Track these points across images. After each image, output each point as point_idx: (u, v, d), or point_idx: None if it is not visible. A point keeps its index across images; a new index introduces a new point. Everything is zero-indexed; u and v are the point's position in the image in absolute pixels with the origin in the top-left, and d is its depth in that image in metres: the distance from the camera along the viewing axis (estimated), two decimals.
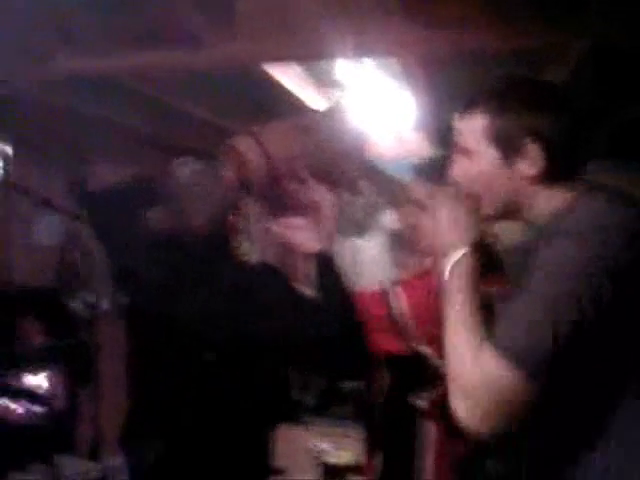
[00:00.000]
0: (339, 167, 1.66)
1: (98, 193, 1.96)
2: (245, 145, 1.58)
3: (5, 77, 2.19)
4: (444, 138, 3.68)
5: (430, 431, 1.44)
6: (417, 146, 3.57)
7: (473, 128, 1.08)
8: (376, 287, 1.43)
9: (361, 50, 1.95)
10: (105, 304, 3.03)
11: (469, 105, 1.10)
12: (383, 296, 1.41)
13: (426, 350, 1.39)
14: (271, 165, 1.56)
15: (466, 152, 1.10)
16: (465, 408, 0.93)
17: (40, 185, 2.95)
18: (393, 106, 2.97)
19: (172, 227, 1.49)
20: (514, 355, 0.89)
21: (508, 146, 1.06)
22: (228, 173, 1.58)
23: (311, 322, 1.42)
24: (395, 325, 1.38)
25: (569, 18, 1.69)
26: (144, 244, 1.55)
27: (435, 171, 1.50)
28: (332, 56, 2.11)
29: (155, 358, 1.54)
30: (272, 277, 1.54)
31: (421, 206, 1.43)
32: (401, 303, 1.38)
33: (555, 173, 1.07)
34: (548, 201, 1.06)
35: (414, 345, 1.38)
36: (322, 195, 1.57)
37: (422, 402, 1.44)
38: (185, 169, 1.55)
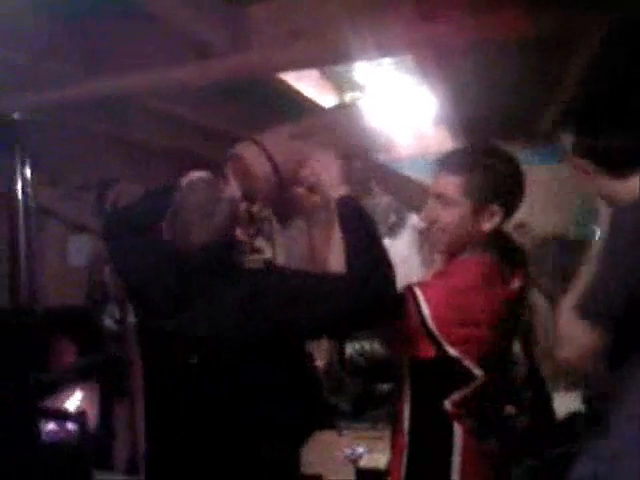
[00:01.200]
0: (350, 168, 1.63)
1: (111, 211, 1.97)
2: (249, 153, 1.53)
3: (21, 102, 2.24)
4: (466, 132, 3.68)
5: (457, 432, 1.41)
6: (438, 142, 3.54)
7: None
8: (406, 289, 1.40)
9: (377, 50, 1.93)
10: (132, 317, 3.05)
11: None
12: (413, 298, 1.38)
13: (453, 352, 1.36)
14: (277, 172, 1.52)
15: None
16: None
17: (70, 208, 3.01)
18: (412, 104, 2.95)
19: (174, 242, 1.47)
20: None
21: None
22: (231, 183, 1.54)
23: (336, 302, 1.36)
24: (423, 328, 1.35)
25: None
26: (150, 260, 1.54)
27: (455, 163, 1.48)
28: (348, 59, 2.08)
29: (170, 374, 1.52)
30: (279, 274, 1.52)
31: (442, 200, 1.42)
32: (425, 305, 1.35)
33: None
34: None
35: (441, 348, 1.35)
36: (335, 169, 1.51)
37: (448, 404, 1.41)
38: (185, 182, 1.50)
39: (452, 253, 1.50)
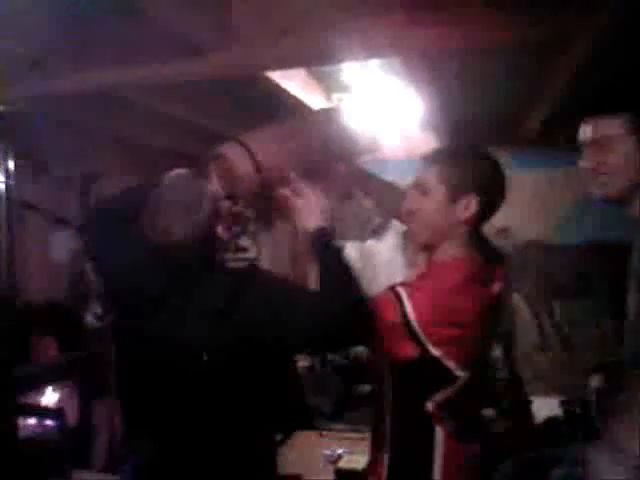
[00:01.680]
0: (331, 170, 1.64)
1: (91, 208, 1.96)
2: (233, 154, 1.53)
3: (12, 93, 2.21)
4: (451, 135, 3.70)
5: (438, 433, 1.42)
6: (424, 144, 3.55)
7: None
8: (389, 290, 1.41)
9: (364, 51, 1.93)
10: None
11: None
12: (397, 299, 1.38)
13: (436, 352, 1.36)
14: (260, 173, 1.52)
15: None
16: None
17: (52, 201, 2.98)
18: (399, 106, 2.96)
19: (154, 238, 1.46)
20: None
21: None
22: (213, 183, 1.54)
23: (311, 317, 1.40)
24: (406, 329, 1.35)
25: (582, 8, 1.66)
26: (128, 257, 1.53)
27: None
28: (335, 59, 2.09)
29: (148, 371, 1.51)
30: (262, 278, 1.52)
31: (420, 189, 1.44)
32: (409, 305, 1.36)
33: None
34: None
35: (424, 348, 1.36)
36: (312, 199, 1.54)
37: (430, 405, 1.42)
38: (167, 178, 1.50)
39: (432, 247, 1.51)
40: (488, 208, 1.47)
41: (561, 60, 2.22)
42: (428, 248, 1.52)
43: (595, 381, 2.15)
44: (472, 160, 1.48)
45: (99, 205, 1.87)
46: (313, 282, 1.53)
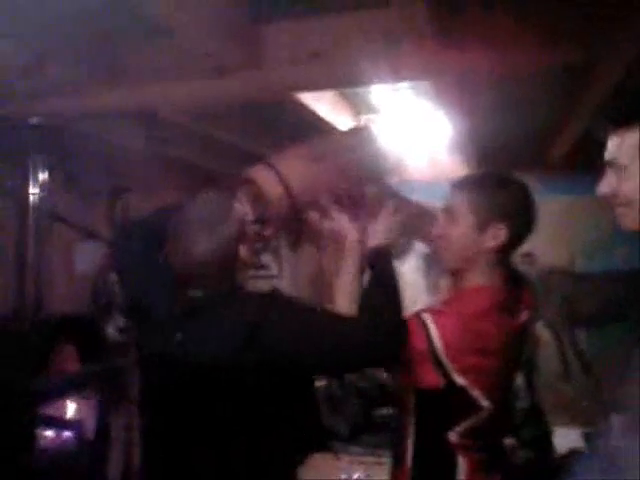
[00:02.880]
0: (362, 193, 1.63)
1: (123, 225, 1.98)
2: (264, 177, 1.53)
3: (49, 109, 2.25)
4: (479, 159, 3.68)
5: (461, 464, 1.40)
6: (452, 168, 3.54)
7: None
8: (414, 316, 1.40)
9: (394, 75, 1.94)
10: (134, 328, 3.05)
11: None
12: (422, 326, 1.37)
13: (462, 381, 1.34)
14: (291, 197, 1.52)
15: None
16: None
17: (80, 214, 3.01)
18: (428, 129, 2.96)
19: (177, 261, 1.46)
20: None
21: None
22: (242, 206, 1.53)
23: (343, 344, 1.38)
24: (432, 357, 1.34)
25: (612, 32, 1.65)
26: (153, 277, 1.54)
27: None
28: (365, 82, 2.09)
29: (169, 391, 1.51)
30: (284, 303, 1.50)
31: (449, 215, 1.43)
32: (434, 333, 1.34)
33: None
34: None
35: (449, 377, 1.34)
36: (344, 225, 1.54)
37: (453, 435, 1.40)
38: (195, 198, 1.51)
39: (460, 273, 1.50)
40: (517, 237, 1.46)
41: (590, 86, 2.21)
42: (455, 274, 1.51)
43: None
44: (502, 189, 1.47)
45: (131, 223, 1.88)
46: (338, 304, 1.52)
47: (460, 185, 1.50)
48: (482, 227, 1.43)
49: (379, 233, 1.54)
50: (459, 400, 1.37)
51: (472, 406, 1.38)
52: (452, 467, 1.40)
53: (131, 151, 2.95)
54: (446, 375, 1.34)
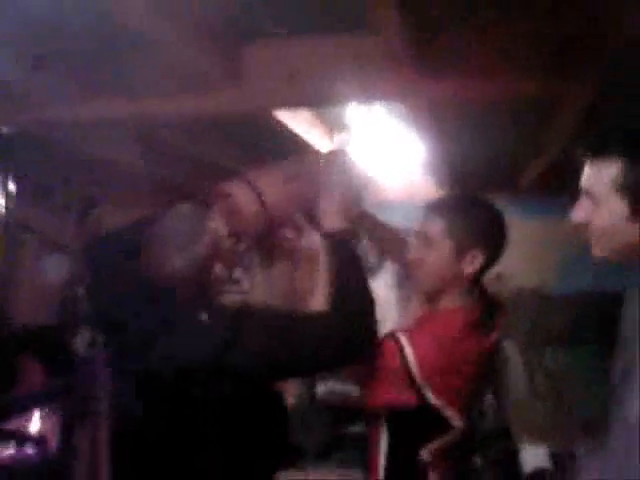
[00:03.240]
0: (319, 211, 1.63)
1: (96, 238, 1.95)
2: (240, 193, 1.53)
3: (15, 117, 2.22)
4: (451, 181, 3.73)
5: None
6: (425, 189, 3.59)
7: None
8: (389, 336, 1.41)
9: (369, 96, 1.96)
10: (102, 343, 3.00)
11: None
12: (397, 346, 1.38)
13: (435, 401, 1.36)
14: (267, 214, 1.52)
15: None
16: None
17: (50, 226, 2.97)
18: (401, 150, 2.99)
19: (147, 273, 1.45)
20: None
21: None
22: (217, 220, 1.53)
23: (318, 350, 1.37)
24: (406, 376, 1.35)
25: (584, 61, 1.70)
26: (125, 292, 1.52)
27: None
28: (340, 103, 2.12)
29: (137, 405, 1.49)
30: (256, 313, 1.50)
31: (425, 241, 1.44)
32: (409, 353, 1.36)
33: None
34: None
35: (423, 396, 1.35)
36: (318, 243, 1.54)
37: (425, 453, 1.40)
38: (168, 211, 1.50)
39: (433, 295, 1.51)
40: (492, 260, 1.48)
41: (562, 113, 2.26)
42: (430, 295, 1.53)
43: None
44: (479, 214, 1.49)
45: (104, 235, 1.86)
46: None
47: (436, 209, 1.50)
48: (460, 253, 1.44)
49: (333, 213, 1.48)
50: (432, 419, 1.38)
51: (444, 425, 1.39)
52: None
53: (104, 163, 2.93)
54: (420, 394, 1.35)
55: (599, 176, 1.13)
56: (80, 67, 1.91)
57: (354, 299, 1.41)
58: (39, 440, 2.67)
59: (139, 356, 1.44)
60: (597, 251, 1.19)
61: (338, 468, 2.87)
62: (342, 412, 3.33)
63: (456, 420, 1.38)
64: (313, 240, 1.55)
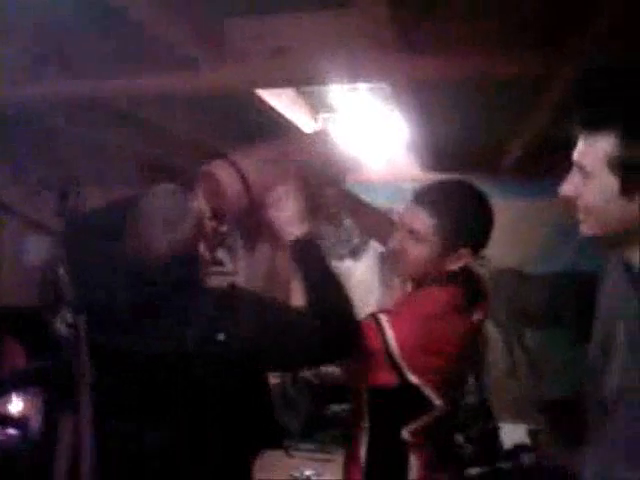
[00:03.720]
0: (320, 194, 1.63)
1: (73, 217, 1.92)
2: (224, 173, 1.51)
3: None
4: (436, 159, 3.73)
5: (412, 462, 1.42)
6: (408, 169, 3.59)
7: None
8: (370, 317, 1.41)
9: (354, 75, 1.95)
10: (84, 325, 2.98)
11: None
12: (377, 327, 1.38)
13: (416, 381, 1.37)
14: (249, 195, 1.51)
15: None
16: None
17: (29, 206, 2.92)
18: (385, 130, 2.99)
19: (132, 254, 1.44)
20: None
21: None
22: (200, 200, 1.52)
23: (295, 337, 1.39)
24: (387, 357, 1.35)
25: (566, 43, 1.70)
26: (107, 273, 1.51)
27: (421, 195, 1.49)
28: (324, 81, 2.10)
29: (120, 385, 1.49)
30: (243, 298, 1.50)
31: (413, 236, 1.43)
32: (389, 334, 1.36)
33: None
34: None
35: (403, 376, 1.36)
36: (291, 209, 1.51)
37: (406, 433, 1.42)
38: (151, 191, 1.48)
39: (415, 283, 1.52)
40: (478, 252, 1.48)
41: (544, 93, 2.26)
42: (412, 280, 1.53)
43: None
44: (470, 212, 1.45)
45: (82, 217, 1.83)
46: (296, 300, 1.52)
47: (426, 203, 1.45)
48: (447, 251, 1.43)
49: (290, 221, 1.46)
50: (412, 399, 1.39)
51: (425, 405, 1.40)
52: (404, 464, 1.42)
53: (85, 142, 2.89)
54: (400, 374, 1.36)
55: (592, 150, 1.10)
56: (59, 44, 1.87)
57: (327, 302, 1.39)
58: (21, 423, 2.65)
59: (122, 336, 1.44)
60: (585, 228, 1.17)
61: (319, 447, 2.89)
62: (325, 392, 3.35)
63: (436, 399, 1.39)
64: (288, 207, 1.53)
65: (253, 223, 1.63)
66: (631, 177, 1.06)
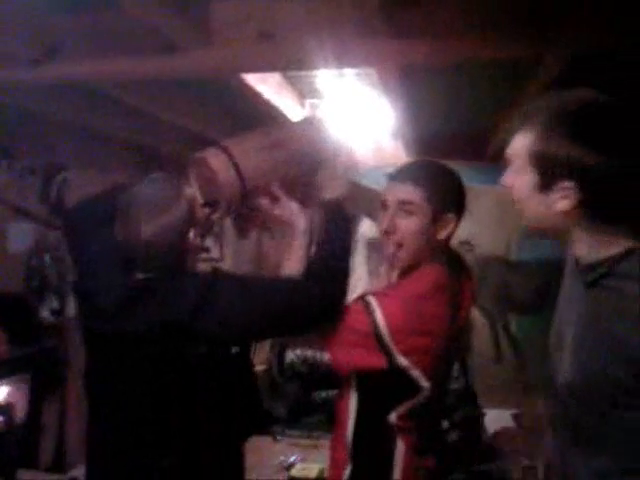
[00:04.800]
0: (313, 182, 1.63)
1: (74, 205, 1.92)
2: (216, 161, 1.50)
3: None
4: (421, 146, 3.74)
5: (399, 448, 1.43)
6: (394, 155, 3.59)
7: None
8: (359, 299, 1.41)
9: (341, 60, 1.94)
10: (71, 310, 2.97)
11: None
12: (366, 309, 1.39)
13: (404, 362, 1.37)
14: (243, 182, 1.50)
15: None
16: None
17: (15, 192, 2.89)
18: (372, 116, 2.99)
19: (123, 239, 1.44)
20: None
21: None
22: (192, 189, 1.52)
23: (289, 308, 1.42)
24: (376, 339, 1.36)
25: (553, 28, 1.70)
26: (100, 258, 1.51)
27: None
28: (311, 67, 2.08)
29: (111, 370, 1.49)
30: (232, 280, 1.50)
31: (406, 208, 1.44)
32: (379, 315, 1.36)
33: None
34: None
35: (391, 358, 1.36)
36: (295, 212, 1.55)
37: (393, 416, 1.43)
38: (142, 183, 1.48)
39: (407, 266, 1.52)
40: (459, 223, 1.50)
41: (530, 80, 2.27)
42: (403, 265, 1.53)
43: None
44: (449, 181, 1.51)
45: (79, 203, 1.83)
46: None
47: (412, 177, 1.48)
48: (437, 218, 1.46)
49: (336, 184, 1.57)
50: (400, 381, 1.39)
51: (412, 387, 1.41)
52: (391, 448, 1.43)
53: (73, 128, 2.86)
54: (389, 357, 1.36)
55: (518, 146, 1.15)
56: (41, 27, 1.84)
57: (335, 265, 1.45)
58: (6, 409, 2.64)
59: (112, 320, 1.44)
60: (524, 220, 1.21)
61: (305, 433, 2.90)
62: (312, 377, 3.36)
63: (424, 381, 1.40)
64: (289, 209, 1.54)
65: (246, 212, 1.63)
66: (547, 172, 1.09)
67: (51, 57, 1.92)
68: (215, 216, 1.53)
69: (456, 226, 1.49)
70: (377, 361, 1.37)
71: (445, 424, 2.99)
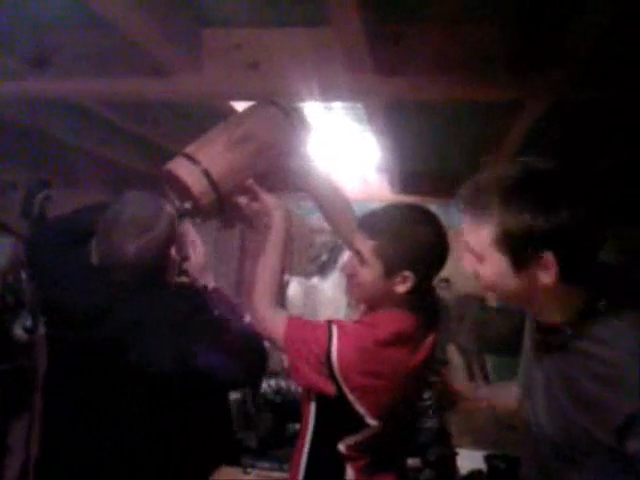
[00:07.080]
0: (285, 168, 1.60)
1: (42, 221, 1.91)
2: (185, 171, 1.47)
3: None
4: (405, 182, 3.75)
5: (348, 473, 1.42)
6: (379, 189, 3.62)
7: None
8: (326, 323, 1.41)
9: (327, 94, 1.97)
10: (43, 328, 2.92)
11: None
12: (327, 335, 1.38)
13: (350, 397, 1.37)
14: (216, 188, 1.47)
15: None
16: None
17: None
18: (358, 149, 3.02)
19: (103, 257, 1.44)
20: None
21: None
22: (169, 201, 1.51)
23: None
24: (327, 366, 1.35)
25: (537, 73, 1.74)
26: (76, 273, 1.51)
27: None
28: (297, 98, 2.11)
29: (79, 390, 1.48)
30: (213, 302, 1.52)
31: (359, 258, 1.43)
32: (334, 346, 1.36)
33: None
34: None
35: (341, 389, 1.36)
36: (272, 204, 1.52)
37: (341, 446, 1.42)
38: (121, 200, 1.48)
39: (371, 306, 1.52)
40: (427, 277, 1.47)
41: (515, 119, 2.31)
42: (365, 303, 1.54)
43: None
44: (407, 235, 1.42)
45: (54, 219, 1.82)
46: (260, 280, 1.51)
47: (365, 228, 1.45)
48: (389, 274, 1.41)
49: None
50: (348, 413, 1.39)
51: (360, 422, 1.40)
52: (341, 475, 1.42)
53: (55, 144, 2.85)
54: (337, 385, 1.36)
55: (478, 236, 1.12)
56: (30, 44, 1.86)
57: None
58: None
59: (83, 337, 1.43)
60: (492, 300, 1.21)
61: (276, 465, 2.85)
62: (285, 410, 3.32)
63: (369, 419, 1.38)
64: (267, 201, 1.52)
65: (228, 211, 1.58)
66: (522, 251, 1.07)
67: (39, 72, 1.93)
68: (195, 223, 1.53)
69: (420, 281, 1.42)
70: (327, 387, 1.36)
71: (418, 462, 2.96)
